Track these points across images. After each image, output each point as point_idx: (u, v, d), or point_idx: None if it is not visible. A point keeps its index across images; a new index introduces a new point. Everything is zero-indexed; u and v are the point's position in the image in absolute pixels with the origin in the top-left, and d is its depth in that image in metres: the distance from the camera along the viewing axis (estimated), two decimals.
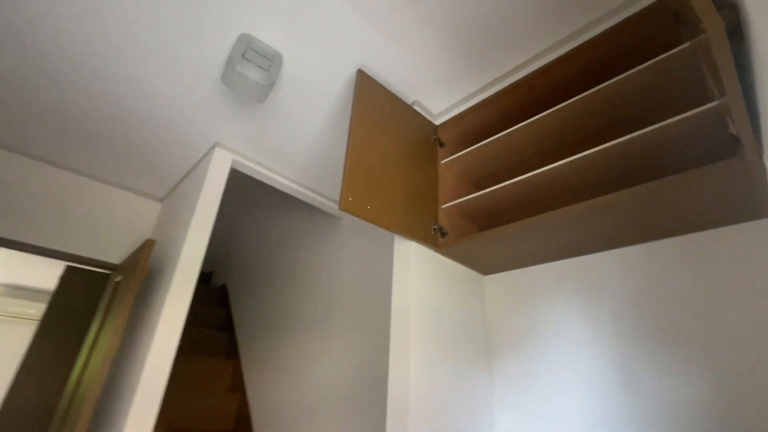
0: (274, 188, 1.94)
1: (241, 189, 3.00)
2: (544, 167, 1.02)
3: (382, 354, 1.54)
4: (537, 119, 1.11)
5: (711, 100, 0.84)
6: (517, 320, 1.24)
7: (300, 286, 2.23)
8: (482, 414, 1.14)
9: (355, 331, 1.74)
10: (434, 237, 1.18)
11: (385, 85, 1.29)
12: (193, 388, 2.21)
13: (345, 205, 0.94)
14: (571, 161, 0.98)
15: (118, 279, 1.64)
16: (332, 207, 2.09)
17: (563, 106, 1.05)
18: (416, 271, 1.10)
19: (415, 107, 1.37)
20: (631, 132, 0.89)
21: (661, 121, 0.85)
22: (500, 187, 1.11)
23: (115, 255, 2.07)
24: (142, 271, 1.42)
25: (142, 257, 1.41)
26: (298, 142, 1.65)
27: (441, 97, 1.38)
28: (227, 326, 2.76)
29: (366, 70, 1.23)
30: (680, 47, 0.88)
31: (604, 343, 1.05)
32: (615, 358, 1.01)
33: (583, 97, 1.02)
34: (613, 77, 0.97)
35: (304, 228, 2.41)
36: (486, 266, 1.33)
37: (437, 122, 1.43)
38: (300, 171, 1.86)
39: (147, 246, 1.45)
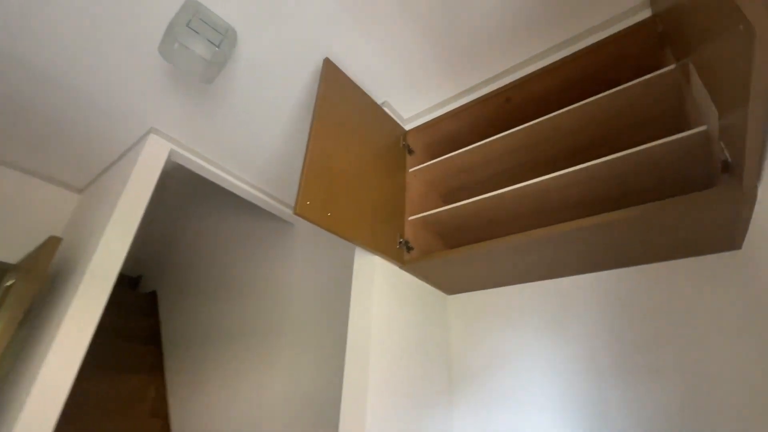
0: (220, 187, 1.73)
1: (182, 185, 2.70)
2: (517, 185, 0.94)
3: (334, 377, 1.38)
4: (512, 133, 1.04)
5: (693, 124, 0.82)
6: (482, 345, 1.15)
7: (244, 297, 2.01)
8: None
9: (306, 350, 1.57)
10: (400, 252, 1.06)
11: (353, 80, 1.16)
12: (106, 411, 1.89)
13: (301, 210, 0.80)
14: (546, 180, 0.91)
15: (9, 283, 1.34)
16: (286, 212, 1.91)
17: (540, 122, 1.00)
18: (379, 290, 0.97)
19: (385, 108, 1.26)
20: (609, 153, 0.84)
21: (639, 143, 0.81)
22: (469, 203, 1.03)
23: (15, 254, 1.72)
24: (40, 274, 1.15)
25: (42, 257, 1.15)
26: (252, 137, 1.47)
27: (412, 100, 1.28)
28: (153, 339, 2.43)
29: (334, 60, 1.10)
30: (666, 69, 0.85)
31: (573, 372, 0.98)
32: (585, 389, 0.95)
33: (561, 113, 0.97)
34: (593, 95, 0.93)
35: (253, 233, 2.19)
36: (450, 285, 1.23)
37: (407, 127, 1.33)
38: (251, 169, 1.66)
39: (49, 244, 1.18)
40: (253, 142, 1.50)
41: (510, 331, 1.12)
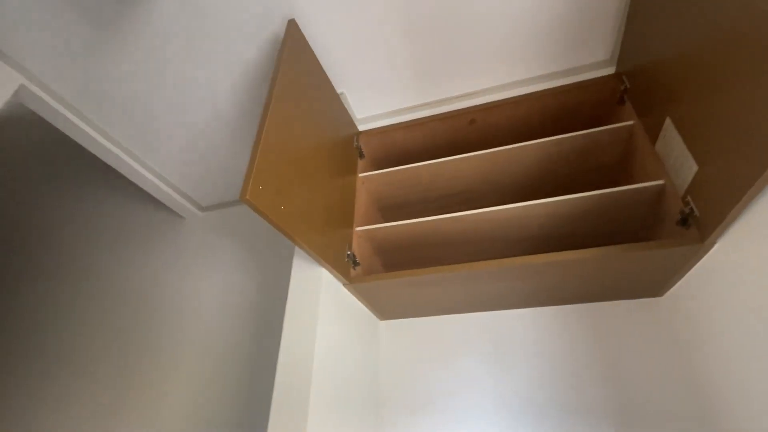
0: (94, 156, 1.31)
1: (37, 146, 2.02)
2: (465, 212, 0.90)
3: (246, 417, 1.10)
4: (471, 156, 1.00)
5: (637, 177, 0.89)
6: (414, 377, 1.05)
7: (117, 303, 1.53)
8: None
9: (201, 379, 1.24)
10: (347, 266, 0.90)
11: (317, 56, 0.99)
12: None
13: (253, 196, 0.59)
14: (496, 211, 0.88)
15: None
16: (179, 203, 1.55)
17: (500, 150, 0.98)
18: (325, 309, 0.78)
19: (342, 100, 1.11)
20: (563, 193, 0.85)
21: (585, 188, 0.84)
22: (431, 221, 0.94)
23: None
24: None
25: None
26: (163, 102, 1.14)
27: (369, 100, 1.16)
28: None
29: (300, 25, 0.91)
30: (626, 123, 0.91)
31: (509, 409, 0.94)
32: (523, 425, 0.91)
33: (523, 146, 0.97)
34: (553, 134, 0.96)
35: (128, 223, 1.72)
36: (386, 310, 1.11)
37: (360, 128, 1.20)
38: (145, 142, 1.30)
39: None
40: (160, 107, 1.17)
41: (444, 364, 1.05)
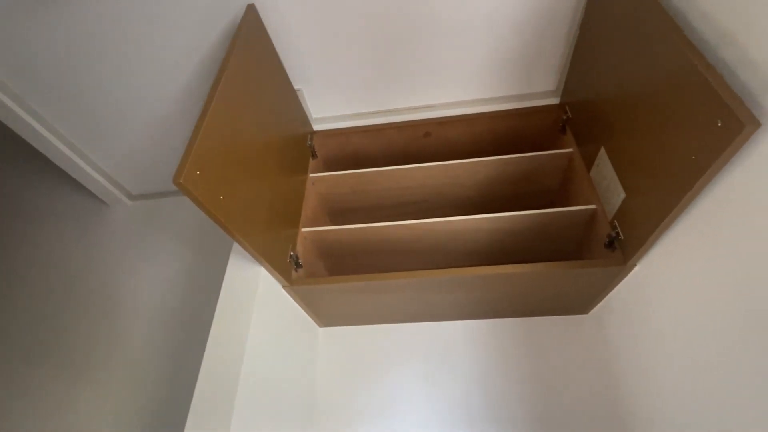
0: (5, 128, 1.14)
1: None
2: (414, 221, 0.91)
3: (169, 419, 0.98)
4: (424, 167, 1.02)
5: (573, 201, 0.96)
6: (351, 385, 1.01)
7: (29, 292, 1.33)
8: None
9: (120, 379, 1.10)
10: (289, 268, 0.86)
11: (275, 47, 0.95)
12: None
13: (187, 181, 0.54)
14: (443, 222, 0.90)
15: None
16: (104, 187, 1.40)
17: (453, 164, 1.01)
18: (260, 310, 0.73)
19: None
20: (509, 210, 0.89)
21: (539, 208, 0.89)
22: (379, 227, 0.93)
23: None
24: None
25: None
26: (99, 79, 1.03)
27: (326, 100, 1.13)
28: None
29: (259, 11, 0.87)
30: (565, 150, 0.98)
31: (444, 422, 0.94)
32: None
33: (473, 162, 1.00)
34: (503, 154, 1.00)
35: (42, 205, 1.53)
36: (326, 316, 1.07)
37: (315, 127, 1.17)
38: (72, 118, 1.16)
39: None
40: (94, 80, 1.05)
41: (382, 373, 1.03)
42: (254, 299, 0.72)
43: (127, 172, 1.42)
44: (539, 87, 1.07)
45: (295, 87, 1.05)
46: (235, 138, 0.69)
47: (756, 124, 0.44)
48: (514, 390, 0.96)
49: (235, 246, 0.82)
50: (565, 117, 1.02)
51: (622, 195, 0.74)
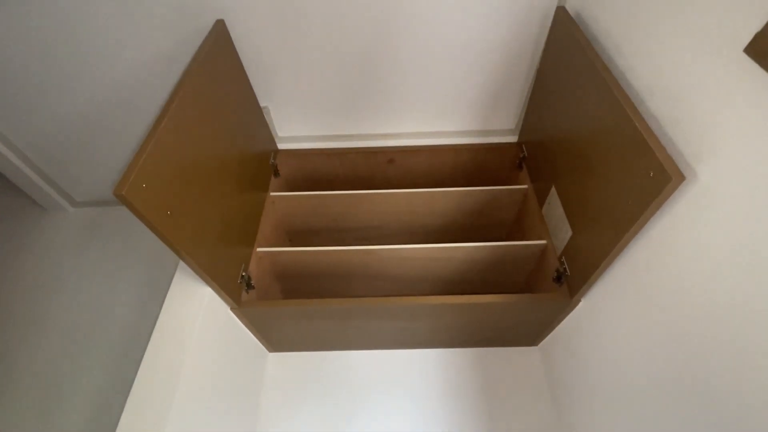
0: None
1: None
2: (373, 246, 0.91)
3: None
4: (387, 193, 1.03)
5: (527, 236, 1.00)
6: (297, 412, 0.97)
7: None
8: None
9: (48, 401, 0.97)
10: (239, 289, 0.82)
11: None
12: None
13: (131, 193, 0.51)
14: (401, 249, 0.91)
15: None
16: (43, 191, 1.30)
17: (416, 192, 1.03)
18: (201, 333, 0.69)
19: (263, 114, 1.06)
20: (467, 241, 0.91)
21: (495, 241, 0.92)
22: (341, 251, 0.92)
23: None
24: None
25: None
26: (52, 75, 0.97)
27: (292, 119, 1.13)
28: None
29: (229, 26, 0.87)
30: (521, 186, 1.03)
31: None
32: None
33: (435, 191, 1.03)
34: (464, 186, 1.04)
35: None
36: (276, 341, 1.03)
37: (279, 146, 1.15)
38: (13, 113, 1.08)
39: None
40: (54, 85, 0.99)
41: (330, 400, 0.99)
42: (196, 321, 0.68)
43: (70, 177, 1.32)
44: (499, 125, 1.13)
45: (262, 104, 1.04)
46: (191, 151, 0.67)
47: (681, 178, 0.49)
48: (464, 420, 0.95)
49: (182, 263, 0.78)
50: (521, 155, 1.07)
51: (569, 232, 0.78)
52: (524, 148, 1.07)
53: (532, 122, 1.02)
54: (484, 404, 0.97)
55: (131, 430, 0.57)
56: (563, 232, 0.81)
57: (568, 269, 0.79)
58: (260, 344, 1.01)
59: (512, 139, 1.13)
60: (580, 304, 0.80)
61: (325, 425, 0.95)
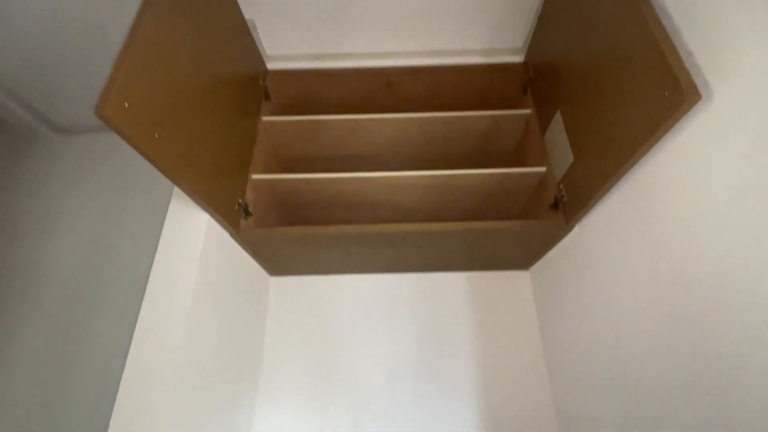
0: None
1: None
2: (371, 173, 0.90)
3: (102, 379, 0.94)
4: (386, 118, 0.99)
5: (529, 162, 0.98)
6: (301, 334, 1.04)
7: None
8: None
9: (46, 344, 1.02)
10: (237, 215, 0.82)
11: None
12: None
13: (112, 112, 0.47)
14: (399, 177, 0.90)
15: None
16: (22, 117, 1.23)
17: (416, 117, 0.99)
18: (205, 259, 0.70)
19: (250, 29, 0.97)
20: (464, 168, 0.90)
21: (497, 165, 0.91)
22: (337, 177, 0.91)
23: None
24: None
25: None
26: None
27: (282, 35, 1.03)
28: None
29: None
30: (525, 111, 0.98)
31: (390, 371, 0.99)
32: (405, 383, 0.98)
33: (435, 116, 0.99)
34: (464, 110, 0.99)
35: None
36: (277, 266, 1.06)
37: (269, 66, 1.08)
38: None
39: None
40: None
41: (332, 323, 1.06)
42: (198, 248, 0.69)
43: (51, 100, 1.24)
44: (507, 42, 1.04)
45: (247, 17, 0.95)
46: (172, 68, 0.62)
47: (697, 96, 0.46)
48: (455, 342, 1.02)
49: (176, 191, 0.76)
50: (527, 77, 1.01)
51: (571, 158, 0.77)
52: (531, 69, 1.00)
53: (541, 41, 0.94)
54: (474, 325, 1.04)
55: (140, 360, 0.61)
56: (564, 159, 0.80)
57: (566, 196, 0.79)
58: (261, 269, 1.04)
59: (519, 59, 1.06)
60: (575, 229, 0.81)
61: (324, 345, 1.02)
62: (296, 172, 1.18)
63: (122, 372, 0.59)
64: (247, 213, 0.85)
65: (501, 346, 1.01)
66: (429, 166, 1.14)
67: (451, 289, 1.09)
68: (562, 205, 0.81)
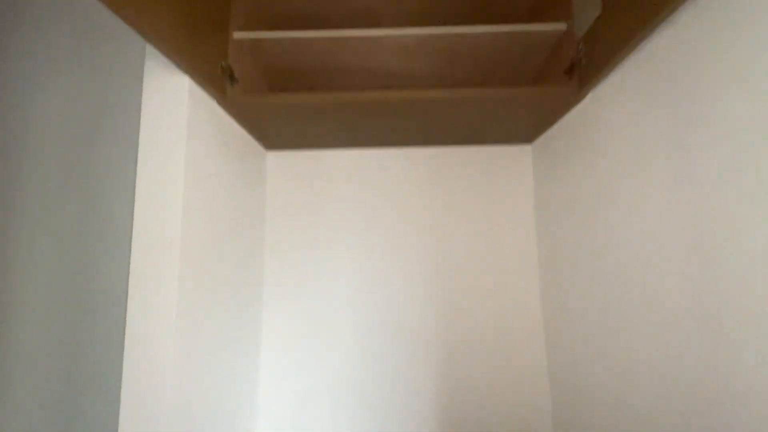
0: None
1: None
2: (362, 30, 0.79)
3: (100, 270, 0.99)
4: None
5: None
6: (302, 213, 1.06)
7: None
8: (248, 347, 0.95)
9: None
10: (221, 80, 0.75)
11: None
12: None
13: None
14: (389, 36, 0.79)
15: None
16: None
17: None
18: (194, 129, 0.67)
19: None
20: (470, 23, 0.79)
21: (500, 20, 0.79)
22: (323, 37, 0.80)
23: None
24: None
25: None
26: None
27: None
28: None
29: None
30: None
31: (383, 251, 1.04)
32: (393, 264, 1.04)
33: None
34: None
35: None
36: (271, 138, 1.02)
37: None
38: None
39: None
40: None
41: (332, 200, 1.07)
42: (184, 117, 0.64)
43: None
44: None
45: None
46: None
47: None
48: (450, 215, 1.05)
49: (149, 49, 0.68)
50: None
51: (599, 10, 0.67)
52: None
53: None
54: (472, 199, 1.05)
55: (144, 238, 0.62)
56: (591, 10, 0.69)
57: (584, 57, 0.72)
58: (256, 143, 1.01)
59: None
60: (586, 99, 0.76)
61: (322, 221, 1.05)
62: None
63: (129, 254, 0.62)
64: (232, 79, 0.78)
65: (493, 222, 1.04)
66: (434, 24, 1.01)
67: (450, 163, 1.07)
68: (579, 68, 0.74)
